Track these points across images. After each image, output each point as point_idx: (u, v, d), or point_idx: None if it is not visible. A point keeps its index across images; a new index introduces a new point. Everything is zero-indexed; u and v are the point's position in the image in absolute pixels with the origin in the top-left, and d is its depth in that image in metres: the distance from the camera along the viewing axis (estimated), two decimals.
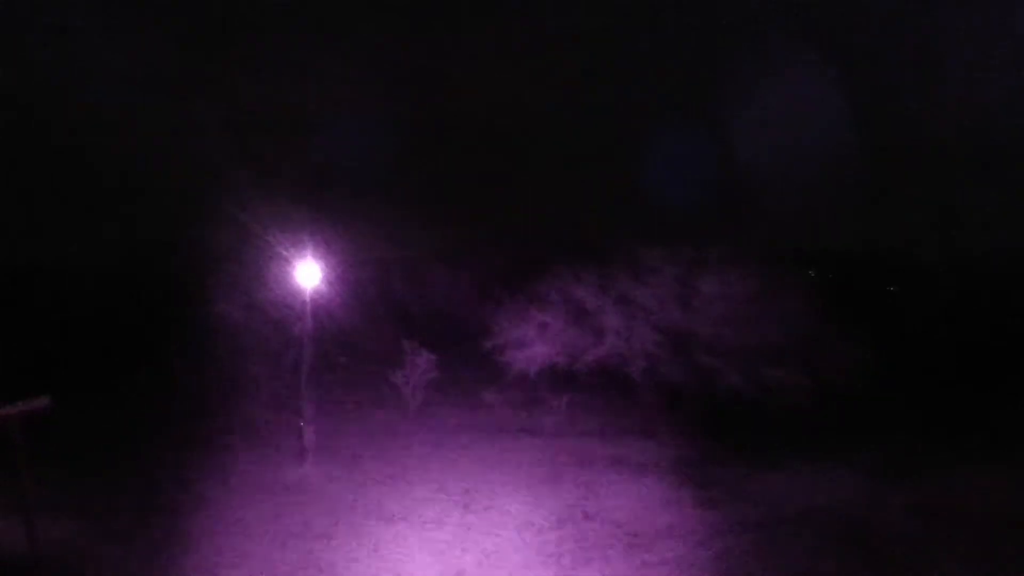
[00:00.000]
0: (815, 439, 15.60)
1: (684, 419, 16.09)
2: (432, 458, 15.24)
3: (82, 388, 11.12)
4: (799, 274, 15.11)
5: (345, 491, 13.39)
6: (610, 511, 12.67)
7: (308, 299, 14.18)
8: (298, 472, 14.22)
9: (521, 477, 14.23)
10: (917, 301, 19.90)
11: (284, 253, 14.17)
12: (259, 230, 14.39)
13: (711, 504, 13.05)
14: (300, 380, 14.91)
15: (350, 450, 15.59)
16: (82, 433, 15.29)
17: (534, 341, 15.73)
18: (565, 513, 12.58)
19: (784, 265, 15.32)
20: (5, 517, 10.60)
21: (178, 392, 17.85)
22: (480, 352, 17.70)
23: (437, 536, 11.61)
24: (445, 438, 16.65)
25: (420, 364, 17.73)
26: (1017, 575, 10.56)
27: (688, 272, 15.17)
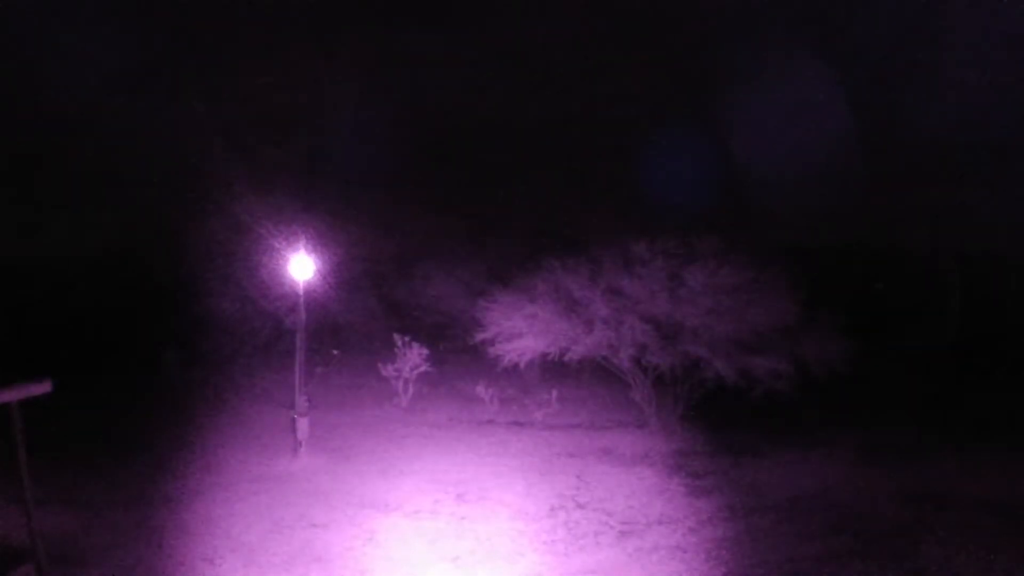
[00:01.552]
0: (802, 428, 15.86)
1: (672, 410, 16.29)
2: (424, 450, 15.35)
3: (73, 379, 11.10)
4: (789, 266, 15.29)
5: (339, 483, 13.46)
6: (601, 500, 12.83)
7: (301, 292, 14.22)
8: (291, 464, 14.28)
9: (513, 468, 14.36)
10: (905, 293, 20.25)
11: (277, 245, 14.23)
12: (252, 222, 14.44)
13: (701, 493, 13.24)
14: (292, 373, 14.98)
15: (342, 443, 15.66)
16: (73, 424, 15.24)
17: (524, 333, 15.85)
18: (557, 502, 12.72)
19: (773, 258, 15.52)
20: (3, 506, 10.60)
21: (169, 384, 17.84)
22: (470, 345, 17.81)
23: (432, 525, 11.73)
24: (436, 431, 16.75)
25: (411, 357, 17.82)
26: (1004, 560, 10.75)
27: (677, 264, 15.36)
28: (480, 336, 16.56)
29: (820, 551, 11.09)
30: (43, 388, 8.97)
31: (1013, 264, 19.48)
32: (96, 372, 17.10)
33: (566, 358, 15.69)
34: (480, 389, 17.92)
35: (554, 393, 17.86)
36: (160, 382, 17.83)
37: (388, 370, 17.94)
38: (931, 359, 18.89)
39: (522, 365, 16.18)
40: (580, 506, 12.58)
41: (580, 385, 18.84)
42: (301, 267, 14.42)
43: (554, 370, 17.78)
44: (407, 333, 18.28)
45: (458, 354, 20.54)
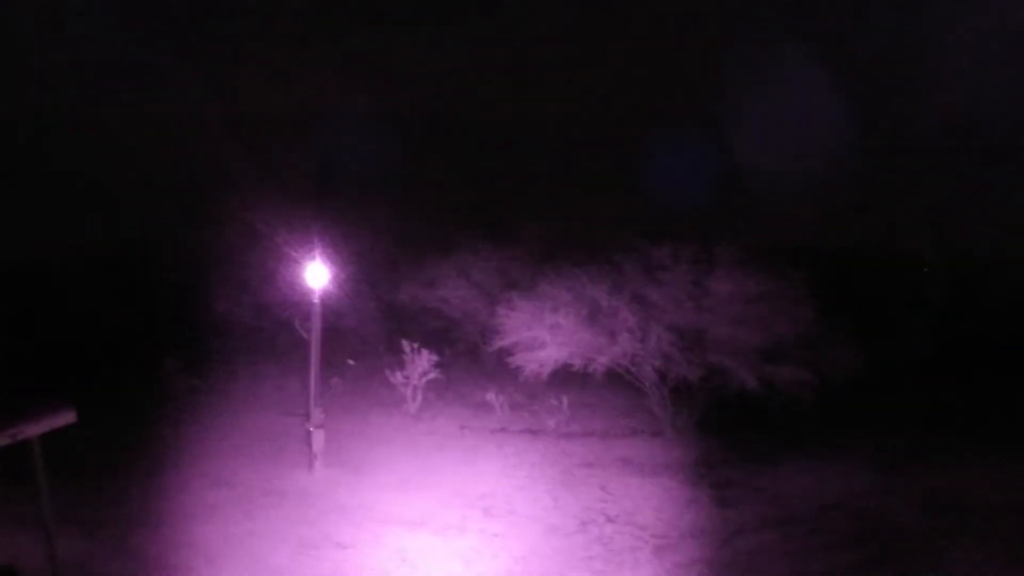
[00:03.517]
0: (823, 436, 15.78)
1: (691, 418, 16.13)
2: (440, 461, 14.97)
3: (83, 393, 10.50)
4: (806, 272, 15.20)
5: (358, 498, 13.02)
6: (631, 513, 12.62)
7: (317, 300, 13.71)
8: (307, 478, 13.80)
9: (535, 480, 14.07)
10: (921, 298, 20.38)
11: (290, 252, 13.74)
12: (264, 229, 13.96)
13: (728, 503, 13.10)
14: (298, 380, 14.49)
15: (355, 454, 15.17)
16: (77, 437, 14.51)
17: (547, 343, 15.53)
18: (587, 516, 12.49)
19: (791, 263, 15.40)
20: (21, 533, 9.98)
21: (175, 393, 17.19)
22: (482, 353, 17.44)
23: (463, 543, 11.39)
24: (449, 440, 16.35)
25: (420, 364, 17.36)
26: None
27: (698, 270, 15.18)
28: (498, 344, 16.21)
29: (851, 561, 11.05)
30: (67, 418, 8.45)
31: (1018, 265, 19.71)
32: (101, 381, 16.39)
33: (590, 369, 15.41)
34: (490, 396, 17.56)
35: (565, 400, 17.57)
36: (166, 390, 17.17)
37: (396, 377, 17.47)
38: (938, 362, 19.03)
39: (544, 375, 15.84)
40: (611, 520, 12.35)
41: (590, 391, 18.56)
42: (316, 275, 13.89)
43: (561, 375, 17.47)
44: (412, 338, 17.81)
45: (463, 358, 20.17)
